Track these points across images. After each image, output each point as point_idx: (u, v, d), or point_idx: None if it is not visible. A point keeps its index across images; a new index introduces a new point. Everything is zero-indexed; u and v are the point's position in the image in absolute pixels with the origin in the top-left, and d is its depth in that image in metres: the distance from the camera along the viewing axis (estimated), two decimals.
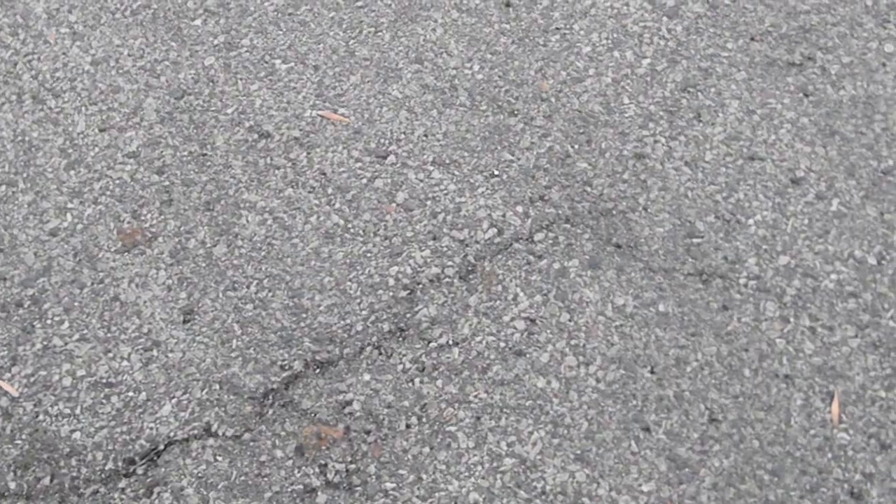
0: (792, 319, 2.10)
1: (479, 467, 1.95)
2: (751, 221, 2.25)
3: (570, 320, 2.12)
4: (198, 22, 2.69)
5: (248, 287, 2.21)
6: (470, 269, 2.21)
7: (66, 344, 2.14)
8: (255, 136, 2.45)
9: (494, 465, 1.96)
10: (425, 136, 2.44)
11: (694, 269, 2.18)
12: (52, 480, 1.97)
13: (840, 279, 2.15)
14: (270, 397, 2.06)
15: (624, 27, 2.63)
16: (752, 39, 2.59)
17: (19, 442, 2.02)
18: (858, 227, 2.23)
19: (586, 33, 2.63)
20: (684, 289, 2.16)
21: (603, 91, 2.50)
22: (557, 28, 2.64)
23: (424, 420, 2.01)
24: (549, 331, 2.11)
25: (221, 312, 2.18)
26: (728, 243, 2.21)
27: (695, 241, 2.22)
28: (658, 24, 2.63)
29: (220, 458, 1.99)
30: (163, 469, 1.98)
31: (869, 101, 2.44)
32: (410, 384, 2.06)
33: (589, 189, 2.32)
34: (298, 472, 1.96)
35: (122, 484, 1.96)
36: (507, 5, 2.69)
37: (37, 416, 2.05)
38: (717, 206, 2.27)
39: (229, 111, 2.50)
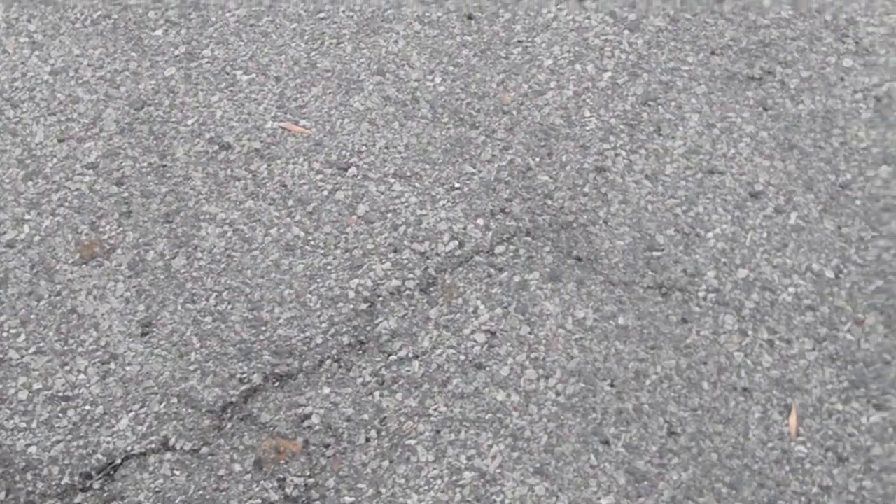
0: (750, 332, 2.11)
1: (439, 481, 1.95)
2: (710, 235, 2.26)
3: (530, 333, 2.12)
4: (158, 32, 2.68)
5: (207, 299, 2.20)
6: (430, 281, 2.21)
7: (22, 357, 2.12)
8: (216, 147, 2.44)
9: (454, 478, 1.95)
10: (386, 148, 2.44)
11: (653, 283, 2.19)
12: (7, 495, 1.95)
13: (798, 292, 2.16)
14: (229, 411, 2.04)
15: (585, 40, 2.64)
16: (713, 53, 2.61)
17: None
18: (816, 240, 2.24)
19: (548, 46, 2.63)
20: (644, 302, 2.16)
21: (564, 104, 2.51)
22: (519, 41, 2.65)
23: (384, 433, 2.01)
24: (509, 344, 2.11)
25: (180, 325, 2.16)
26: (687, 256, 2.22)
27: (655, 254, 2.23)
28: (619, 37, 2.65)
29: (177, 473, 1.97)
30: (120, 483, 1.96)
31: (827, 115, 2.46)
32: (370, 397, 2.05)
33: (550, 202, 2.33)
34: (257, 486, 1.95)
35: (78, 499, 1.94)
36: (469, 18, 2.70)
37: None
38: (677, 219, 2.28)
39: (190, 122, 2.49)
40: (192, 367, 2.10)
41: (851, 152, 2.39)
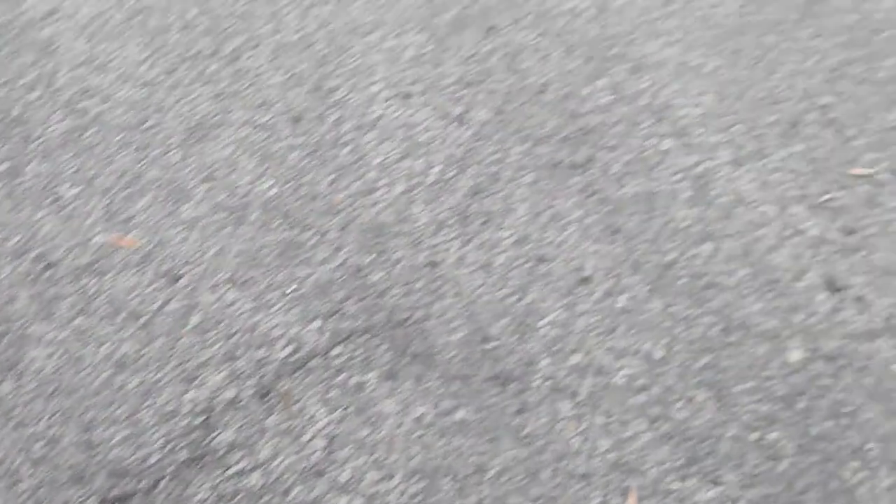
0: (586, 417, 2.13)
1: None
2: (543, 322, 2.29)
3: (369, 435, 2.11)
4: None
5: (37, 424, 2.13)
6: (268, 389, 2.19)
7: None
8: (41, 265, 2.39)
9: None
10: (218, 255, 2.42)
11: (490, 374, 2.20)
12: None
13: (630, 374, 2.20)
14: None
15: (413, 137, 2.68)
16: (537, 143, 2.67)
17: None
18: (645, 321, 2.29)
19: (377, 144, 2.66)
20: (481, 394, 2.17)
21: (395, 201, 2.53)
22: (348, 141, 2.67)
23: None
24: (349, 447, 2.09)
25: (10, 453, 2.09)
26: (522, 346, 2.25)
27: (490, 345, 2.25)
28: (446, 132, 2.69)
29: None
30: None
31: (649, 197, 2.53)
32: None
33: (384, 300, 2.33)
34: None
35: None
36: (297, 120, 2.71)
37: None
38: (510, 309, 2.31)
39: (13, 242, 2.43)
40: (23, 497, 2.03)
41: (674, 232, 2.46)
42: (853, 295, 2.29)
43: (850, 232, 2.42)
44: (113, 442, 2.10)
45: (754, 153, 2.62)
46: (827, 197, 2.50)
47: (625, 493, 2.03)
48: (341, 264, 2.40)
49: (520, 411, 2.14)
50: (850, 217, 2.45)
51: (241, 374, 2.20)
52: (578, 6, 3.07)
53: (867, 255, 2.36)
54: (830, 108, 2.72)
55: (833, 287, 2.31)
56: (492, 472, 2.06)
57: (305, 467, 2.07)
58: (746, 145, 2.64)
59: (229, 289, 2.36)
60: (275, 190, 2.56)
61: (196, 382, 2.19)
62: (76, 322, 2.29)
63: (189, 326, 2.29)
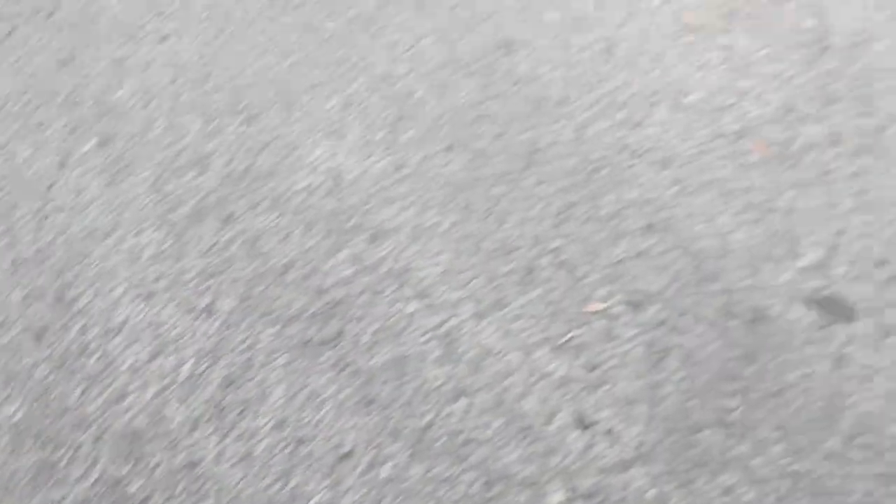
0: None
1: None
2: None
3: None
4: None
5: None
6: None
7: None
8: None
9: None
10: None
11: None
12: None
13: None
14: None
15: (161, 335, 2.67)
16: (286, 324, 2.70)
17: None
18: (409, 488, 2.32)
19: (125, 348, 2.64)
20: None
21: (147, 404, 2.51)
22: (94, 349, 2.64)
23: None
24: None
25: None
26: None
27: None
28: (194, 325, 2.69)
29: None
30: None
31: (400, 362, 2.59)
32: None
33: None
34: None
35: None
36: (41, 335, 2.67)
37: None
38: (275, 498, 2.31)
39: None
40: None
41: (427, 393, 2.52)
42: (602, 429, 2.39)
43: (592, 368, 2.53)
44: None
45: (494, 304, 2.72)
46: (568, 337, 2.62)
47: None
48: (98, 479, 2.35)
49: None
50: (591, 353, 2.56)
51: None
52: (313, 183, 3.15)
53: (610, 387, 2.47)
54: (561, 251, 2.86)
55: (583, 424, 2.41)
56: None
57: None
58: (486, 297, 2.74)
59: None
60: (23, 410, 2.50)
61: None
62: None
63: None
